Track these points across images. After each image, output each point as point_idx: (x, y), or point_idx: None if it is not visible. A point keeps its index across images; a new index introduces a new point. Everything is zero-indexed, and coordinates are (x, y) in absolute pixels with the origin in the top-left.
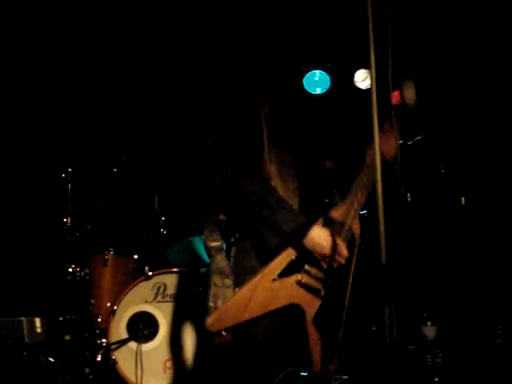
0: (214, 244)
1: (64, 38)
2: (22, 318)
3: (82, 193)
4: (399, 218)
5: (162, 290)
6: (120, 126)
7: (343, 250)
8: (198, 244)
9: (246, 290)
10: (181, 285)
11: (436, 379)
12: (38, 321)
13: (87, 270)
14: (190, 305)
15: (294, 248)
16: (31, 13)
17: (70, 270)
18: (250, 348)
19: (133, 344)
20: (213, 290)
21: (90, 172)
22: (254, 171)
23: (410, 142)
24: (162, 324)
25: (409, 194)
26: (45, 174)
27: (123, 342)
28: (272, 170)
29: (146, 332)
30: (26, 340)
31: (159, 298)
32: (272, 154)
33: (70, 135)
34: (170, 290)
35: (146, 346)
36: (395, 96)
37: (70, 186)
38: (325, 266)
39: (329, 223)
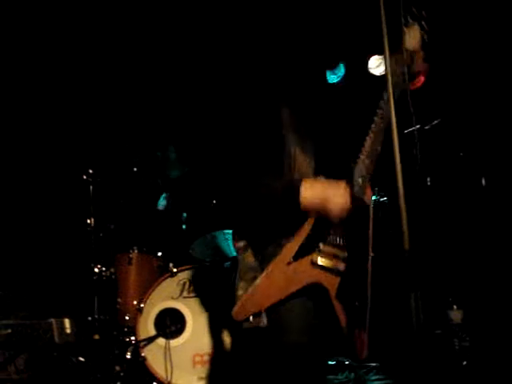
0: (239, 244)
1: (85, 43)
2: (52, 319)
3: (104, 193)
4: (420, 203)
5: (187, 285)
6: (139, 126)
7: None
8: (221, 238)
9: (264, 277)
10: (205, 279)
11: (464, 363)
12: (67, 321)
13: (112, 270)
14: (215, 299)
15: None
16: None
17: (96, 270)
18: (284, 337)
19: (161, 340)
20: (241, 284)
21: (110, 172)
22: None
23: (427, 127)
24: (188, 319)
25: (428, 179)
26: (67, 176)
27: (152, 339)
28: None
29: (173, 328)
30: (57, 341)
31: (185, 293)
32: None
33: (90, 137)
34: (195, 286)
35: (174, 342)
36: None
37: (91, 187)
38: (337, 231)
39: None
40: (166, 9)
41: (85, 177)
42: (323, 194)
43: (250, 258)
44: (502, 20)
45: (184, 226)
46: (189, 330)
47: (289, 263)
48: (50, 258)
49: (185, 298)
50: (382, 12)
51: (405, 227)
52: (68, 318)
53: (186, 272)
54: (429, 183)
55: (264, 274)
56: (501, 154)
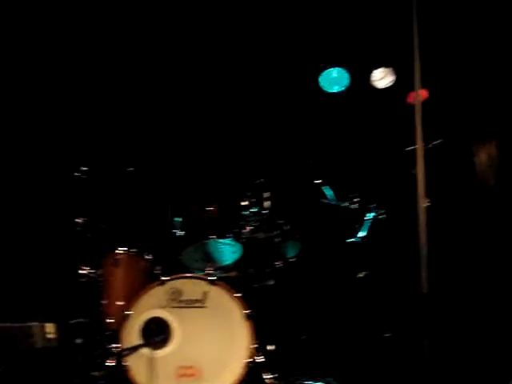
0: None
1: (85, 43)
2: (34, 324)
3: (96, 192)
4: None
5: (176, 295)
6: (134, 125)
7: None
8: (214, 247)
9: None
10: (196, 290)
11: None
12: (49, 326)
13: (100, 272)
14: (205, 311)
15: None
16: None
17: (83, 271)
18: None
19: (146, 350)
20: None
21: (103, 171)
22: None
23: (429, 146)
24: (176, 330)
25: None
26: (58, 172)
27: (136, 348)
28: None
29: (159, 338)
30: (38, 345)
31: (174, 303)
32: None
33: (84, 134)
34: (186, 296)
35: (159, 353)
36: (411, 96)
37: (83, 184)
38: None
39: None
40: (173, 12)
41: (77, 174)
42: None
43: None
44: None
45: (176, 232)
46: (175, 340)
47: None
48: (36, 258)
49: (173, 307)
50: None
51: (424, 270)
52: (51, 322)
53: (177, 281)
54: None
55: None
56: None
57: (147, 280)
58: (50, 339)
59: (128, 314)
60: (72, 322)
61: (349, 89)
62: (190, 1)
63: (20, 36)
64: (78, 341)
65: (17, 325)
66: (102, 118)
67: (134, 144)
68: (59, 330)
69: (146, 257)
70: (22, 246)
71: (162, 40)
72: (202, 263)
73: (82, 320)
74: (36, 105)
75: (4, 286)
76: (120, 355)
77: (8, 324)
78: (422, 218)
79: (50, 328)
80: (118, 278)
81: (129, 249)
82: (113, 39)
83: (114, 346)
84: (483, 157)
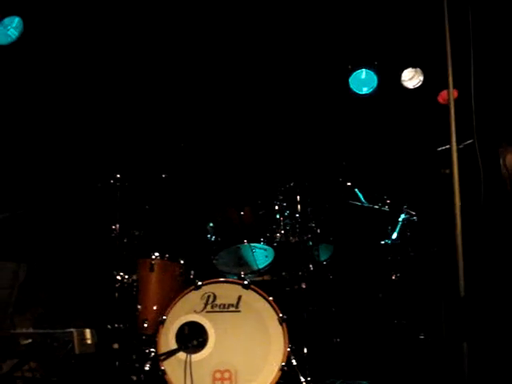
0: None
1: (121, 51)
2: (73, 330)
3: (131, 199)
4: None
5: (211, 299)
6: (168, 133)
7: None
8: (247, 251)
9: None
10: (230, 295)
11: None
12: (88, 332)
13: (135, 277)
14: (239, 315)
15: None
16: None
17: (119, 277)
18: None
19: (182, 354)
20: None
21: (137, 178)
22: None
23: (460, 146)
24: (211, 334)
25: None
26: (94, 180)
27: (172, 353)
28: None
29: (195, 342)
30: (77, 351)
31: (208, 307)
32: None
33: (119, 142)
34: (220, 300)
35: (195, 357)
36: (441, 96)
37: (118, 192)
38: None
39: None
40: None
41: (112, 181)
42: None
43: None
44: None
45: (210, 236)
46: (211, 345)
47: None
48: (74, 265)
49: (208, 312)
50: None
51: (461, 274)
52: (89, 328)
53: (211, 286)
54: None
55: None
56: None
57: (181, 285)
58: (88, 345)
59: (163, 319)
60: (109, 327)
61: (378, 90)
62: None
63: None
64: (116, 346)
65: (56, 331)
66: (136, 126)
67: (167, 151)
68: (97, 335)
69: (180, 262)
70: (59, 253)
71: (197, 47)
72: (236, 267)
73: (119, 325)
74: (73, 115)
75: (43, 293)
76: (157, 359)
77: (47, 330)
78: (459, 217)
79: (88, 334)
80: (153, 283)
81: (163, 254)
82: (152, 47)
83: (151, 350)
84: (510, 159)
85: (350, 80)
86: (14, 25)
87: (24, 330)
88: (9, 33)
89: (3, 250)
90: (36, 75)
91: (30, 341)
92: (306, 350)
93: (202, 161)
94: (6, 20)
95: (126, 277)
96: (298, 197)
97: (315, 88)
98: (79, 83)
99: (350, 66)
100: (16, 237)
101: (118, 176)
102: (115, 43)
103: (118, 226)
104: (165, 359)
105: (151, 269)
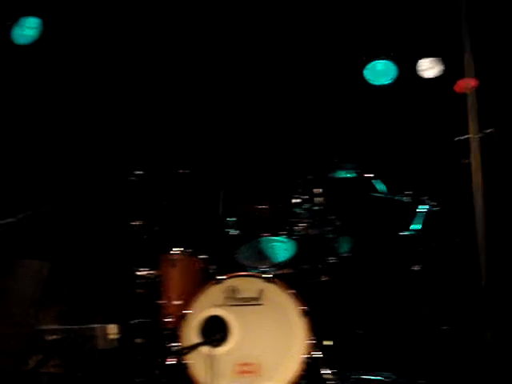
0: None
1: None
2: (96, 325)
3: (150, 195)
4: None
5: (233, 293)
6: (186, 128)
7: None
8: (267, 245)
9: None
10: (251, 288)
11: None
12: (111, 327)
13: (157, 272)
14: (261, 308)
15: None
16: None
17: (141, 273)
18: None
19: (205, 348)
20: None
21: (156, 174)
22: None
23: (480, 135)
24: (233, 327)
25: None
26: (113, 177)
27: (195, 347)
28: None
29: (218, 336)
30: (100, 347)
31: (231, 301)
32: None
33: (137, 138)
34: (242, 294)
35: (218, 350)
36: (460, 85)
37: (138, 188)
38: None
39: None
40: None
41: (132, 178)
42: None
43: None
44: None
45: (231, 231)
46: (234, 338)
47: None
48: (96, 261)
49: (231, 305)
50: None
51: (482, 264)
52: (112, 323)
53: (233, 279)
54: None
55: None
56: None
57: (203, 279)
58: (111, 340)
59: (186, 313)
60: (132, 322)
61: (396, 80)
62: None
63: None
64: (138, 340)
65: (80, 327)
66: (153, 121)
67: (186, 146)
68: (120, 330)
69: (201, 256)
70: (81, 249)
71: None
72: (257, 261)
73: (141, 320)
74: (93, 111)
75: (66, 290)
76: (180, 354)
77: (72, 326)
78: (479, 208)
79: (111, 329)
80: (175, 277)
81: (184, 249)
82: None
83: (174, 344)
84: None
85: (365, 71)
86: (29, 25)
87: (49, 326)
88: (25, 33)
89: (27, 247)
90: (56, 72)
91: (54, 337)
92: (328, 343)
93: (221, 155)
94: (23, 20)
95: (148, 272)
96: (318, 189)
97: (332, 79)
98: (99, 79)
99: (364, 58)
100: (39, 234)
101: (138, 172)
102: (134, 40)
103: (139, 222)
104: (188, 353)
105: (172, 264)
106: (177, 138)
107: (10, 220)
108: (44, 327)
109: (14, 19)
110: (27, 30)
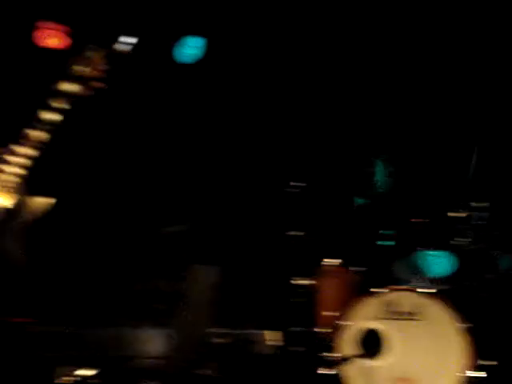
0: None
1: None
2: (254, 331)
3: (306, 205)
4: None
5: (390, 307)
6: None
7: None
8: (426, 259)
9: None
10: (410, 302)
11: None
12: (269, 333)
13: (313, 282)
14: (420, 324)
15: None
16: None
17: (298, 282)
18: None
19: (362, 360)
20: None
21: (312, 185)
22: None
23: None
24: (391, 341)
25: None
26: (269, 187)
27: (352, 358)
28: None
29: (375, 349)
30: (257, 352)
31: (387, 315)
32: None
33: (297, 148)
34: (399, 308)
35: (376, 364)
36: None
37: (294, 198)
38: None
39: None
40: None
41: (288, 189)
42: None
43: None
44: None
45: (389, 243)
46: (392, 352)
47: None
48: (257, 271)
49: (391, 319)
50: None
51: None
52: (269, 330)
53: (390, 293)
54: None
55: None
56: None
57: (358, 291)
58: (269, 346)
59: (342, 325)
60: (289, 330)
61: None
62: None
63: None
64: (295, 349)
65: (242, 331)
66: (316, 131)
67: (343, 159)
68: (280, 337)
69: (356, 268)
70: (242, 259)
71: None
72: (415, 276)
73: (298, 328)
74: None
75: (228, 296)
76: (335, 364)
77: (231, 331)
78: None
79: (269, 335)
80: (329, 288)
81: (339, 260)
82: None
83: (329, 355)
84: None
85: None
86: (193, 44)
87: (216, 330)
88: (188, 52)
89: (201, 254)
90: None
91: (221, 340)
92: (488, 362)
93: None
94: (186, 39)
95: (304, 282)
96: (481, 204)
97: None
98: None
99: None
100: (211, 241)
101: (294, 184)
102: None
103: (295, 232)
104: (345, 364)
105: (327, 274)
106: (339, 150)
107: (178, 227)
108: (212, 330)
109: (177, 38)
110: (190, 49)
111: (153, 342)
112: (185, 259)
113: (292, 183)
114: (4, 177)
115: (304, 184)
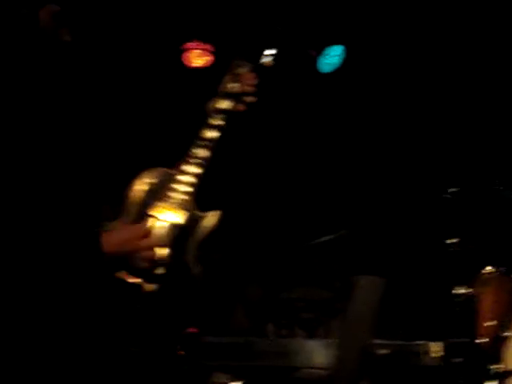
0: None
1: None
2: (420, 342)
3: (465, 212)
4: None
5: None
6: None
7: None
8: None
9: None
10: None
11: None
12: (433, 345)
13: (473, 291)
14: None
15: None
16: None
17: (458, 291)
18: None
19: None
20: None
21: (471, 191)
22: None
23: None
24: None
25: None
26: (428, 194)
27: None
28: None
29: None
30: (423, 363)
31: None
32: None
33: (454, 154)
34: None
35: None
36: None
37: (453, 206)
38: None
39: None
40: None
41: (445, 195)
42: None
43: None
44: None
45: None
46: None
47: None
48: (413, 280)
49: None
50: None
51: None
52: (434, 341)
53: None
54: None
55: None
56: None
57: None
58: (435, 358)
59: (504, 335)
60: (450, 340)
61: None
62: None
63: None
64: (458, 360)
65: (406, 343)
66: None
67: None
68: (441, 348)
69: None
70: (402, 269)
71: None
72: None
73: (461, 339)
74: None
75: (389, 307)
76: (501, 377)
77: (393, 342)
78: None
79: (435, 347)
80: (489, 297)
81: (499, 268)
82: None
83: (493, 367)
84: None
85: None
86: (334, 53)
87: (380, 341)
88: (328, 61)
89: (370, 264)
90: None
91: (384, 351)
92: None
93: None
94: (327, 49)
95: (465, 291)
96: None
97: None
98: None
99: None
100: (380, 251)
101: (452, 190)
102: None
103: (454, 240)
104: (509, 377)
105: (486, 283)
106: (493, 153)
107: (327, 238)
108: (374, 341)
109: (319, 48)
110: (331, 58)
111: (316, 353)
112: (342, 269)
113: (449, 189)
114: (176, 195)
115: (461, 189)
